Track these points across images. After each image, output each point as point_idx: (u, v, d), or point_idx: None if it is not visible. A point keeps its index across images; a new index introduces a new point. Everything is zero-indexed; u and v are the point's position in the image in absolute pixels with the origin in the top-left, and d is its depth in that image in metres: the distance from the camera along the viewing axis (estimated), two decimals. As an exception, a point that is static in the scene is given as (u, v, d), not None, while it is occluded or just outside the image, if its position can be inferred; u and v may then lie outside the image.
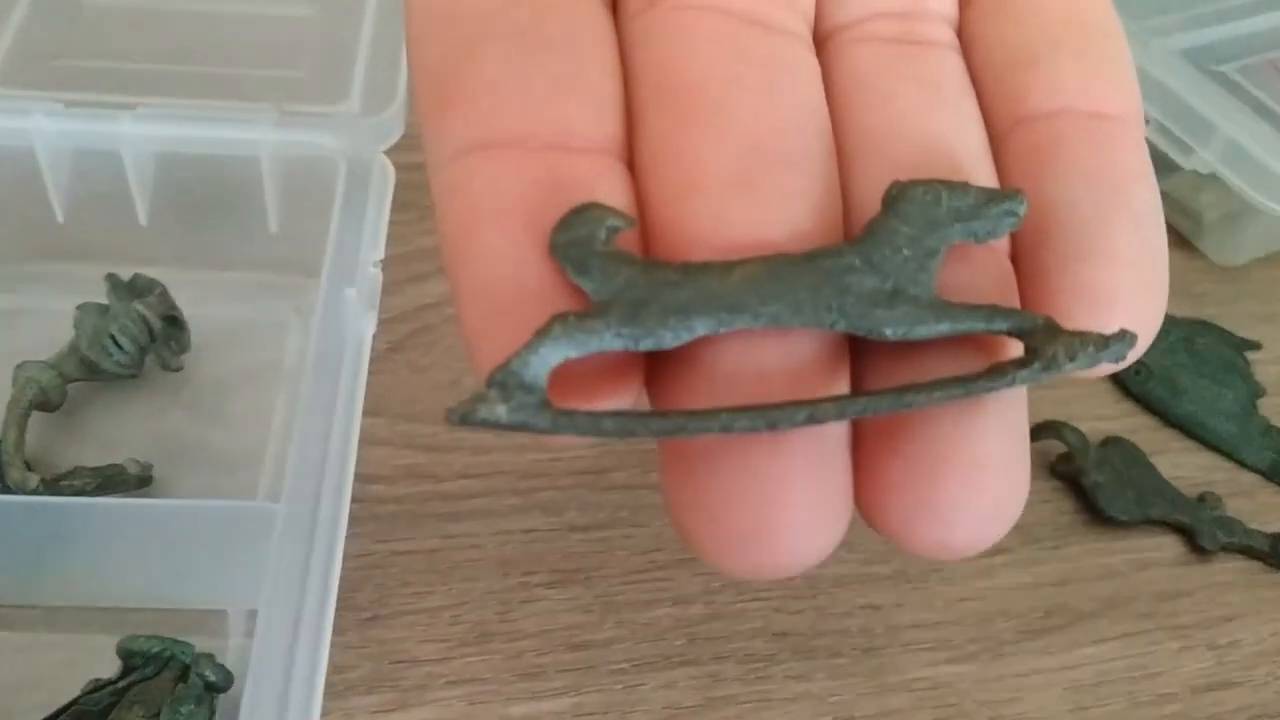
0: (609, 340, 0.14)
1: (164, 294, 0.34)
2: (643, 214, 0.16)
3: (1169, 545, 0.35)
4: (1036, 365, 0.15)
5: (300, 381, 0.30)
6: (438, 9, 0.17)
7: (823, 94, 0.17)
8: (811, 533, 0.15)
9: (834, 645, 0.32)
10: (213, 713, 0.29)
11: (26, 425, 0.32)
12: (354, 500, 0.33)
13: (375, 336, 0.34)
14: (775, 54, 0.17)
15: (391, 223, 0.34)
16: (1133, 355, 0.15)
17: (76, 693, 0.28)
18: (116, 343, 0.33)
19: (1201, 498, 0.36)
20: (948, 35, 0.18)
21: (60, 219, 0.36)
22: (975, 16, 0.18)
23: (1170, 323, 0.39)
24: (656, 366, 0.16)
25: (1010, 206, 0.16)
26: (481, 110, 0.16)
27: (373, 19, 0.39)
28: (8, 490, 0.31)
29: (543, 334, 0.14)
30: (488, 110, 0.16)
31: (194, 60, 0.38)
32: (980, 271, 0.16)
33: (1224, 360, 0.39)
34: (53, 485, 0.30)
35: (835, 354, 0.16)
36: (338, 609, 0.31)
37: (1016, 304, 0.16)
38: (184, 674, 0.29)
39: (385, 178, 0.34)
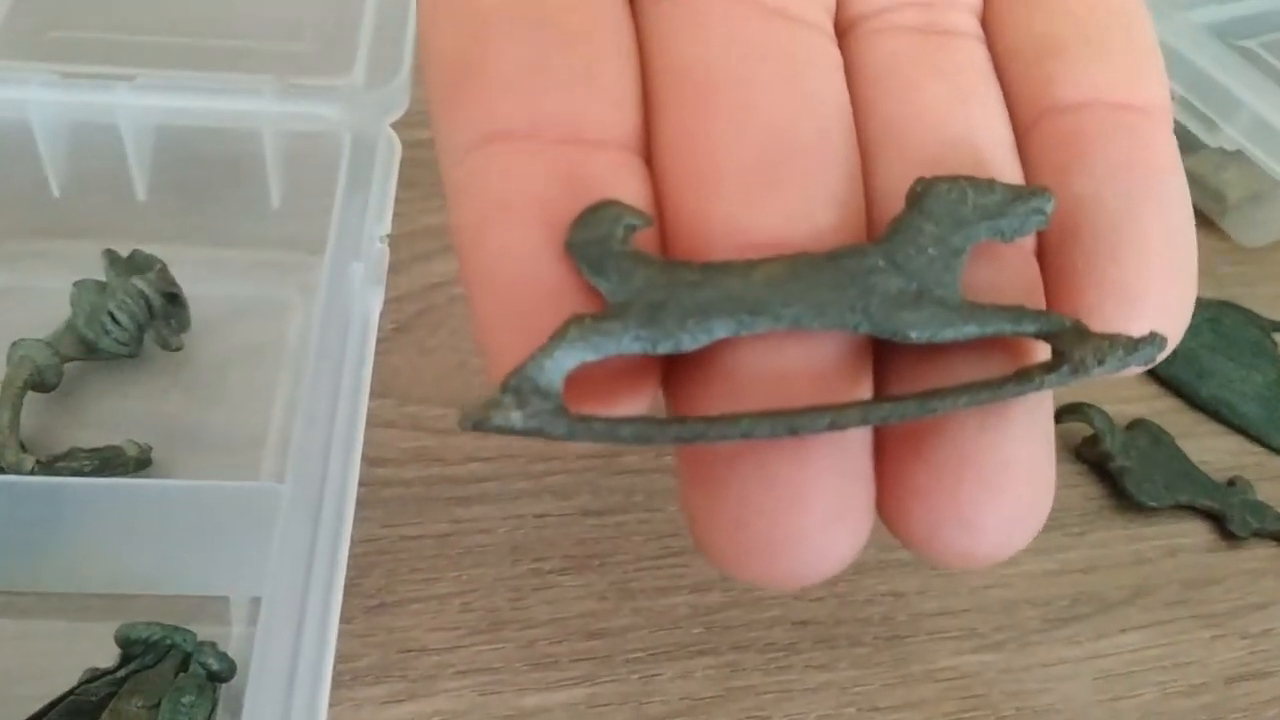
0: (626, 343, 0.14)
1: (163, 271, 0.33)
2: (661, 210, 0.15)
3: (1198, 531, 0.34)
4: (1065, 369, 0.14)
5: (304, 359, 0.29)
6: (451, 2, 0.16)
7: (844, 86, 0.16)
8: (832, 542, 0.14)
9: (856, 634, 0.31)
10: (215, 703, 0.27)
11: (22, 405, 0.31)
12: (361, 484, 0.32)
13: (382, 316, 0.33)
14: (795, 45, 0.16)
15: (396, 200, 0.33)
16: (1162, 354, 0.15)
17: (74, 682, 0.27)
18: (115, 320, 0.32)
19: (1231, 482, 0.35)
20: (972, 25, 0.17)
21: (56, 194, 0.35)
22: (1000, 5, 0.18)
23: (1196, 303, 0.38)
24: (674, 369, 0.15)
25: (1038, 204, 0.15)
26: (497, 101, 0.15)
27: (377, -9, 0.38)
28: (2, 472, 0.30)
29: (558, 337, 0.14)
30: (503, 101, 0.15)
31: (194, 32, 0.37)
32: (1006, 271, 0.15)
33: (1251, 342, 0.38)
34: (49, 467, 0.29)
35: (859, 357, 0.15)
36: (345, 595, 0.30)
37: (1043, 303, 0.16)
38: (185, 663, 0.28)
39: (391, 151, 0.33)
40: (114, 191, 0.35)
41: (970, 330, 0.15)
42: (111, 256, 0.33)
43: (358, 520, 0.31)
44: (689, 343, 0.14)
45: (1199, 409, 0.37)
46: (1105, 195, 0.16)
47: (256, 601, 0.25)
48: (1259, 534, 0.34)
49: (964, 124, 0.16)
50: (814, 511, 0.14)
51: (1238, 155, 0.40)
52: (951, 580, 0.32)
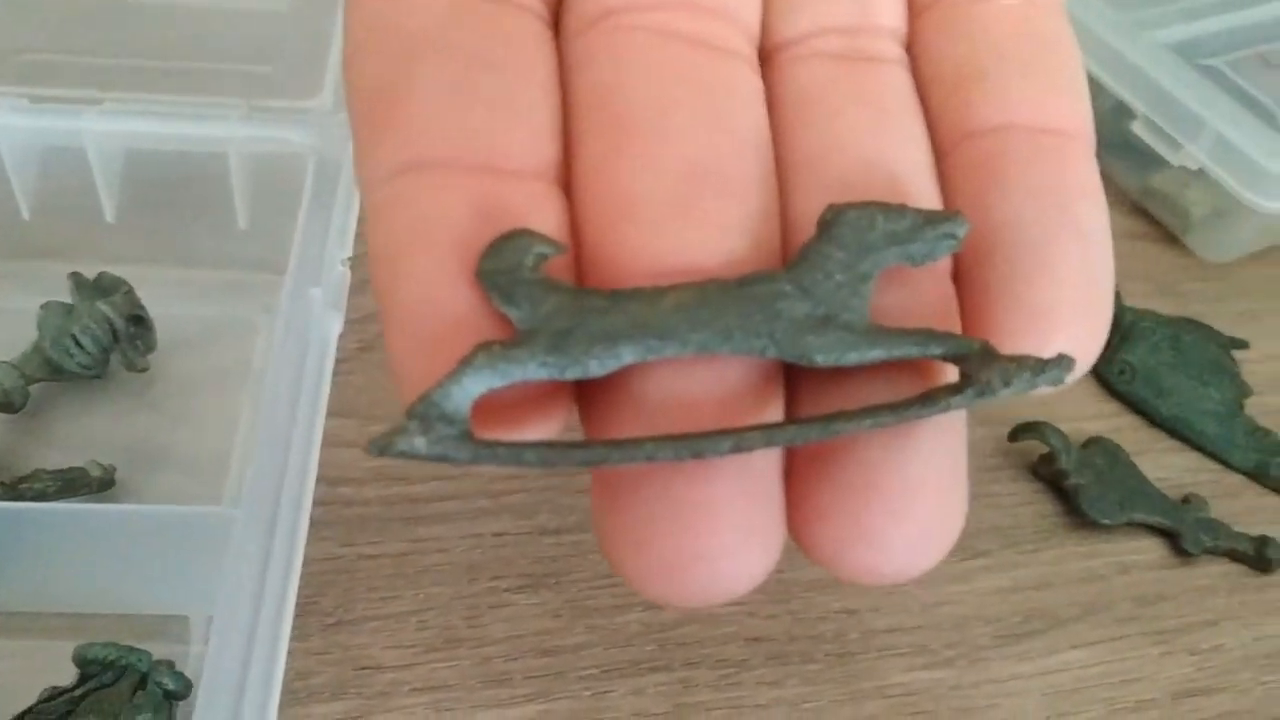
0: (533, 370, 0.14)
1: (129, 293, 0.34)
2: (577, 241, 0.16)
3: (1152, 548, 0.35)
4: (970, 391, 0.15)
5: (263, 383, 0.29)
6: (377, 26, 0.16)
7: (765, 115, 0.17)
8: (740, 561, 0.14)
9: (808, 651, 0.31)
10: (172, 721, 0.28)
11: (-12, 427, 0.31)
12: (321, 503, 0.32)
13: (345, 336, 0.34)
14: (716, 75, 0.16)
15: (363, 220, 0.34)
16: (1073, 377, 0.15)
17: (32, 700, 0.28)
18: (79, 343, 0.32)
19: (1186, 499, 0.35)
20: (895, 51, 0.18)
21: (26, 216, 0.35)
22: (924, 31, 0.18)
23: (1156, 321, 0.39)
24: (587, 394, 0.15)
25: (949, 229, 0.15)
26: (415, 131, 0.15)
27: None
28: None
29: (465, 364, 0.14)
30: (421, 131, 0.15)
31: (165, 55, 0.38)
32: (919, 294, 0.16)
33: (1210, 359, 0.38)
34: (12, 488, 0.30)
35: (768, 381, 0.15)
36: (302, 614, 0.31)
37: (957, 326, 0.16)
38: (143, 682, 0.28)
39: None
40: (83, 214, 0.35)
41: (876, 354, 0.15)
42: (78, 279, 0.34)
43: (317, 539, 0.32)
44: (596, 369, 0.14)
45: (1157, 426, 0.38)
46: (1021, 218, 0.16)
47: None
48: (1211, 551, 0.34)
49: (882, 150, 0.16)
50: (720, 532, 0.14)
51: (1202, 173, 0.40)
52: (904, 598, 0.33)
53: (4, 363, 0.32)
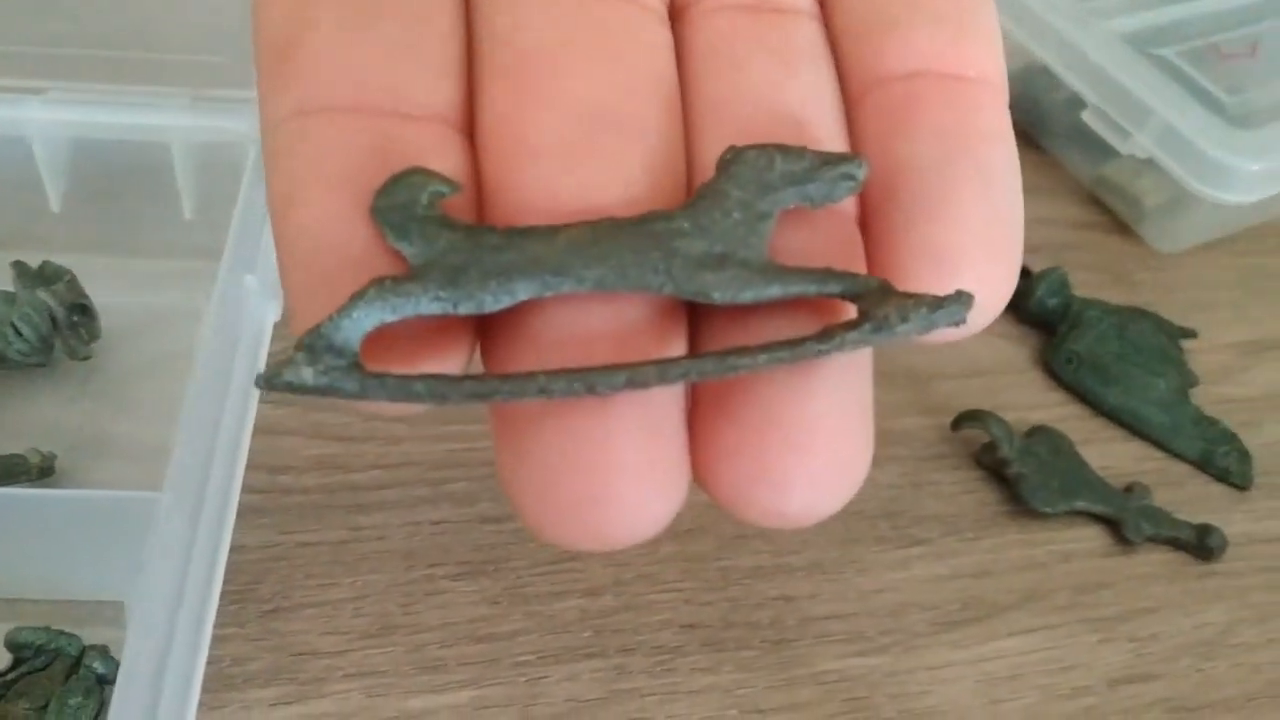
0: (426, 304, 0.14)
1: (72, 281, 0.34)
2: (478, 182, 0.16)
3: (1093, 537, 0.35)
4: (867, 327, 0.14)
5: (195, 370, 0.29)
6: None
7: (672, 63, 0.17)
8: (643, 500, 0.14)
9: (744, 637, 0.32)
10: (103, 705, 0.28)
11: (-73, 414, 0.31)
12: (260, 491, 0.33)
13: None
14: (619, 23, 0.16)
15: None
16: (981, 321, 0.15)
17: (-37, 685, 0.28)
18: (19, 331, 0.32)
19: (1129, 488, 0.35)
20: (805, 3, 0.17)
21: (-30, 206, 0.35)
22: None
23: (1104, 310, 0.39)
24: (487, 333, 0.15)
25: (847, 170, 0.15)
26: (315, 74, 0.15)
27: (293, 2, 0.38)
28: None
29: (356, 297, 0.14)
30: (322, 75, 0.15)
31: (112, 44, 0.38)
32: (821, 235, 0.16)
33: (1157, 349, 0.38)
34: (-52, 475, 0.30)
35: (667, 319, 0.15)
36: (239, 600, 0.31)
37: (861, 268, 0.16)
38: (75, 666, 0.29)
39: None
40: (28, 203, 0.35)
41: (774, 291, 0.15)
42: (20, 268, 0.34)
43: (256, 526, 0.32)
44: (491, 304, 0.14)
45: (1104, 415, 0.38)
46: (926, 160, 0.16)
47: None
48: (1153, 539, 0.34)
49: (787, 97, 0.16)
50: (621, 469, 0.14)
51: (1153, 163, 0.40)
52: (842, 585, 0.33)
53: (-56, 350, 0.32)
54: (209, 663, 0.25)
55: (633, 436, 0.14)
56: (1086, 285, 0.41)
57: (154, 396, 0.34)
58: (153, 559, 0.25)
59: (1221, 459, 0.37)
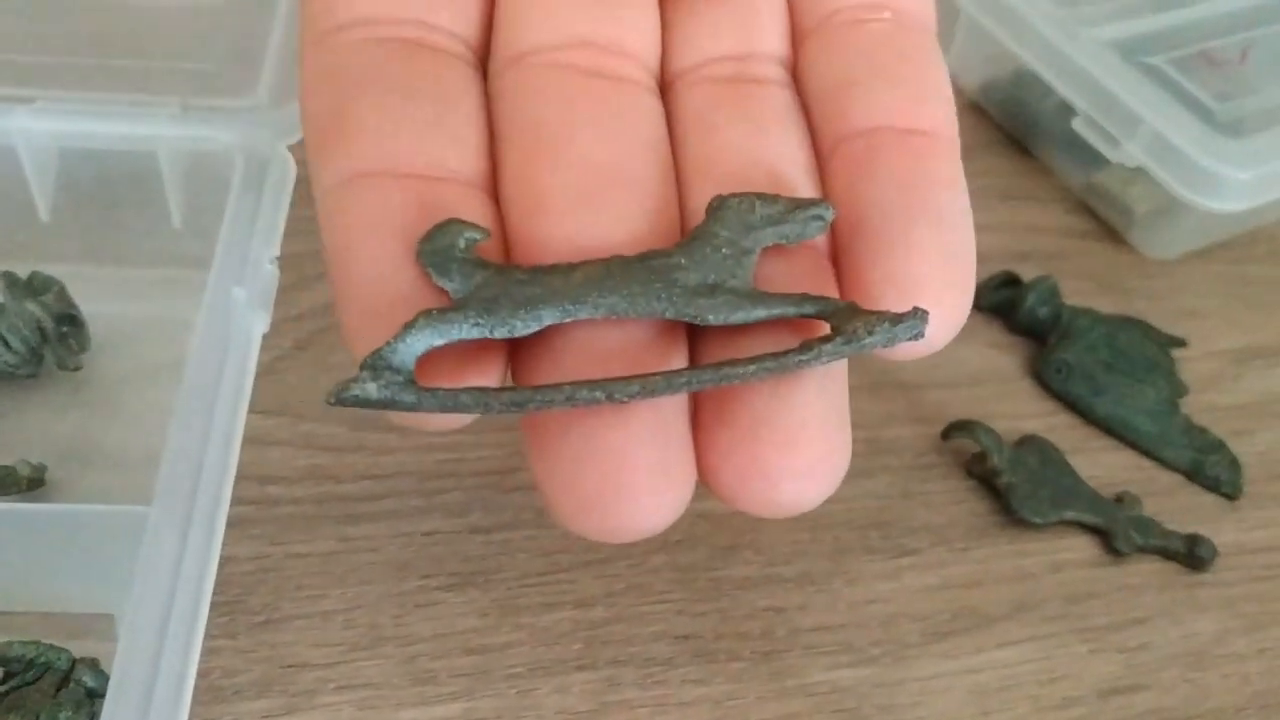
0: (468, 330, 0.17)
1: (61, 292, 0.34)
2: (503, 232, 0.19)
3: (1083, 546, 0.35)
4: (839, 340, 0.17)
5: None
6: (328, 67, 0.20)
7: (663, 128, 0.20)
8: (655, 495, 0.17)
9: (734, 648, 0.32)
10: (93, 718, 0.28)
11: (-85, 426, 0.31)
12: (251, 502, 0.33)
13: (280, 335, 0.34)
14: (617, 98, 0.19)
15: (302, 218, 0.34)
16: (939, 339, 0.18)
17: (-48, 699, 0.28)
18: (7, 343, 0.32)
19: (1119, 498, 0.35)
20: (777, 73, 0.20)
21: (-42, 216, 0.35)
22: (806, 54, 0.21)
23: (1093, 319, 0.39)
24: (517, 356, 0.18)
25: (817, 212, 0.18)
26: (361, 147, 0.18)
27: (283, 12, 0.38)
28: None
29: (409, 325, 0.17)
30: (367, 146, 0.18)
31: (100, 52, 0.37)
32: (798, 267, 0.18)
33: (1147, 357, 0.39)
34: (-63, 487, 0.30)
35: (669, 339, 0.18)
36: (229, 612, 0.31)
37: (835, 295, 0.18)
38: (65, 679, 0.28)
39: (285, 172, 0.33)
40: (16, 213, 0.35)
41: (759, 313, 0.18)
42: (9, 279, 0.34)
43: (246, 538, 0.32)
44: (521, 328, 0.17)
45: (1094, 424, 0.38)
46: (887, 202, 0.18)
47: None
48: (1143, 549, 0.35)
49: (763, 154, 0.19)
50: (637, 470, 0.17)
51: (1143, 171, 0.40)
52: (832, 596, 0.33)
53: (-67, 362, 0.32)
54: (199, 675, 0.25)
55: (645, 440, 0.17)
56: (1077, 293, 0.41)
57: (144, 406, 0.34)
58: (142, 573, 0.25)
59: (1211, 468, 0.37)
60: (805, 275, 0.18)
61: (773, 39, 0.21)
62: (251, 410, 0.29)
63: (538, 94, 0.19)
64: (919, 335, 0.17)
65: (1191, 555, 0.34)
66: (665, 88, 0.20)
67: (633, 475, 0.17)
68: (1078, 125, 0.41)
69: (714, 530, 0.34)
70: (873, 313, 0.17)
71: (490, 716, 0.30)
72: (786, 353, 0.17)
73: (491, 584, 0.32)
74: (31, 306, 0.33)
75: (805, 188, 0.19)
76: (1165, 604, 0.34)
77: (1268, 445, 0.38)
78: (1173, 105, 0.40)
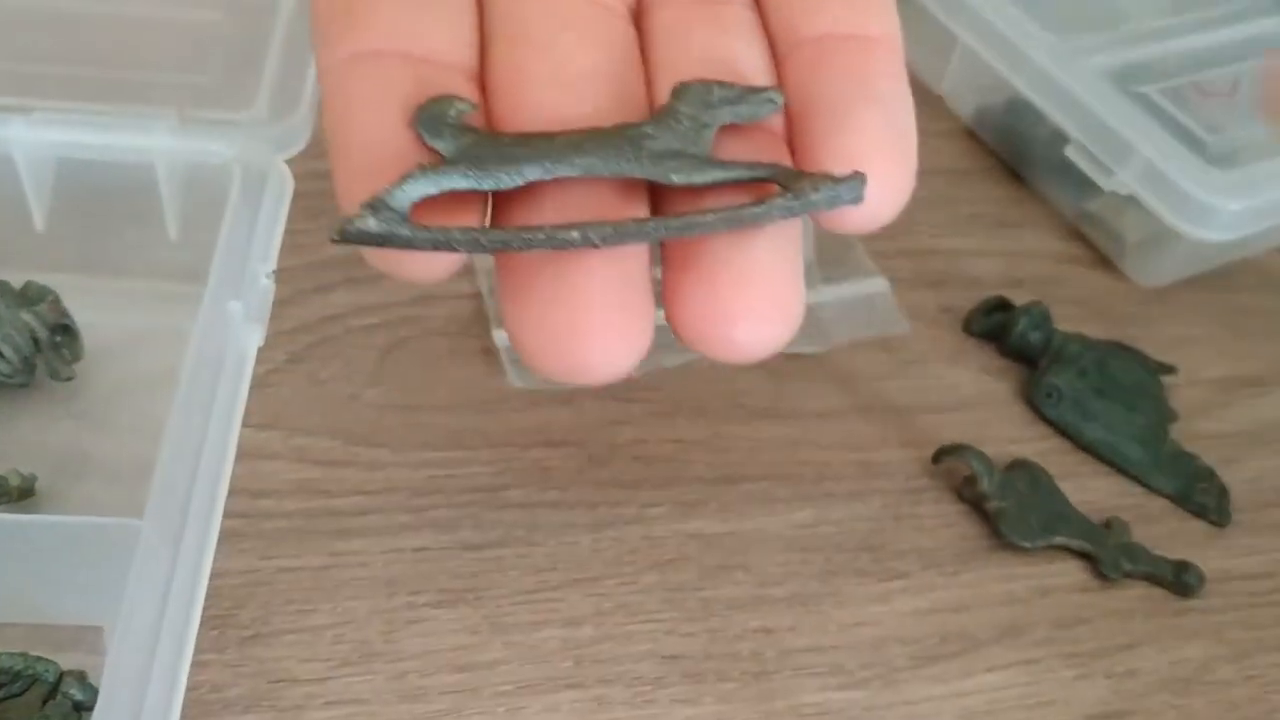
0: (458, 180, 0.19)
1: (55, 302, 0.34)
2: (489, 120, 0.20)
3: (1072, 572, 0.35)
4: (789, 194, 0.19)
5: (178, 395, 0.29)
6: None
7: (634, 39, 0.22)
8: (615, 335, 0.18)
9: (724, 669, 0.32)
10: (80, 732, 0.28)
11: (-94, 434, 0.31)
12: (242, 515, 0.33)
13: (273, 348, 0.34)
14: (594, 13, 0.22)
15: (298, 232, 0.34)
16: (884, 211, 0.19)
17: (-62, 710, 0.28)
18: (0, 352, 0.32)
19: (1107, 524, 0.36)
20: None
21: (-46, 224, 0.35)
22: None
23: (1084, 345, 0.39)
24: (500, 209, 0.20)
25: (768, 96, 0.20)
26: (368, 30, 0.20)
27: (282, 26, 0.38)
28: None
29: (406, 175, 0.18)
30: (373, 30, 0.20)
31: (100, 64, 0.38)
32: (754, 145, 0.20)
33: (1137, 384, 0.39)
34: (-73, 497, 0.30)
35: (637, 199, 0.20)
36: (219, 626, 0.31)
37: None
38: (53, 691, 0.28)
39: (282, 186, 0.33)
40: (12, 222, 0.35)
41: (717, 175, 0.19)
42: (3, 288, 0.34)
43: (237, 552, 0.32)
44: (506, 181, 0.19)
45: (1083, 450, 0.38)
46: (835, 91, 0.20)
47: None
48: (1131, 575, 0.35)
49: (724, 54, 0.21)
50: (599, 309, 0.18)
51: (1134, 199, 0.41)
52: (822, 617, 0.33)
53: (-75, 370, 0.32)
54: (187, 689, 0.25)
55: (607, 283, 0.19)
56: (1069, 319, 0.41)
57: (136, 417, 0.34)
58: (133, 586, 0.25)
59: (1200, 495, 0.37)
60: (761, 151, 0.20)
61: None
62: (244, 423, 0.29)
63: (527, 3, 0.22)
64: (858, 198, 0.19)
65: (1179, 582, 0.35)
66: (642, 14, 0.23)
67: (595, 314, 0.18)
68: (1070, 153, 0.41)
69: (704, 550, 0.34)
70: (818, 174, 0.19)
71: (478, 734, 0.30)
72: (741, 206, 0.19)
73: (481, 601, 0.32)
74: (25, 316, 0.32)
75: (762, 82, 0.21)
76: (1153, 630, 0.34)
77: (1256, 473, 0.38)
78: (1164, 135, 0.40)
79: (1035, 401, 0.38)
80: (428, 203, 0.19)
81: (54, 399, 0.34)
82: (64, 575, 0.29)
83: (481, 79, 0.21)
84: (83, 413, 0.34)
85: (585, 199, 0.20)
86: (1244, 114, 0.43)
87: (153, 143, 0.34)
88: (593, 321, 0.18)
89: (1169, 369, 0.40)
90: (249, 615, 0.31)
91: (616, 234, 0.18)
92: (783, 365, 0.39)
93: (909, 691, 0.32)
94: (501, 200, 0.20)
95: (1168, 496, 0.37)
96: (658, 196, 0.20)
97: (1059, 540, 0.35)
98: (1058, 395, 0.38)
